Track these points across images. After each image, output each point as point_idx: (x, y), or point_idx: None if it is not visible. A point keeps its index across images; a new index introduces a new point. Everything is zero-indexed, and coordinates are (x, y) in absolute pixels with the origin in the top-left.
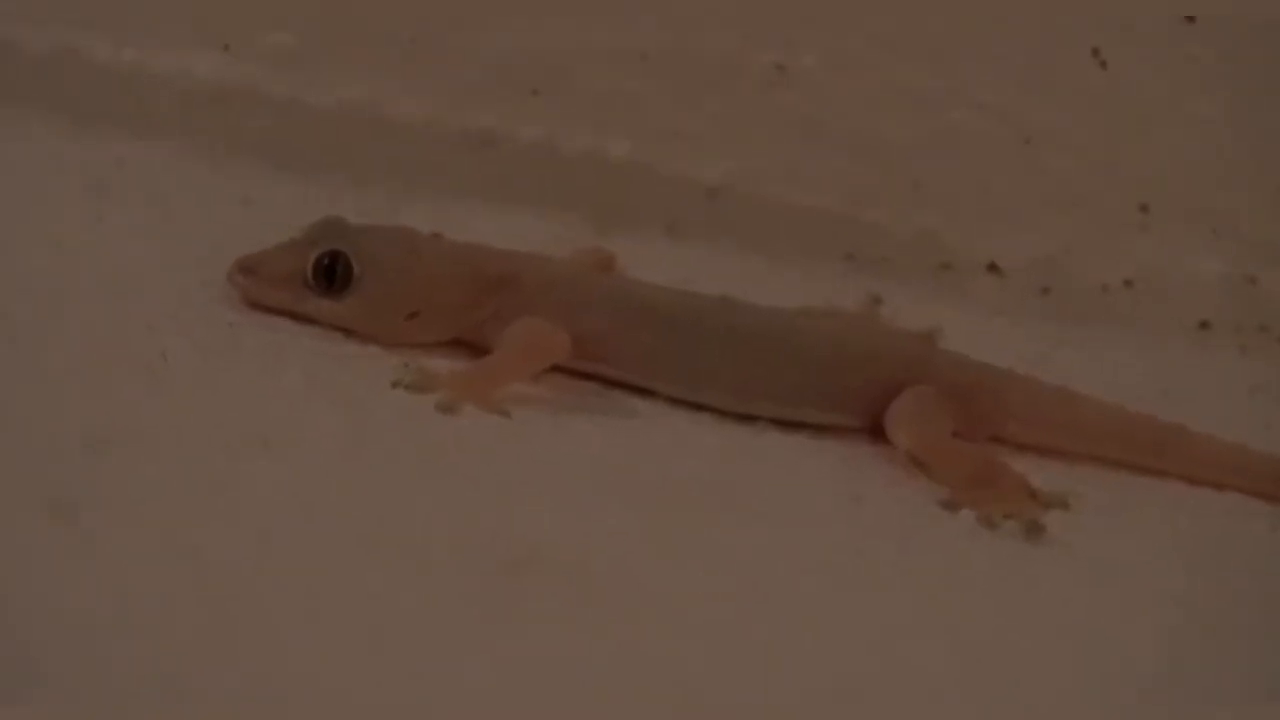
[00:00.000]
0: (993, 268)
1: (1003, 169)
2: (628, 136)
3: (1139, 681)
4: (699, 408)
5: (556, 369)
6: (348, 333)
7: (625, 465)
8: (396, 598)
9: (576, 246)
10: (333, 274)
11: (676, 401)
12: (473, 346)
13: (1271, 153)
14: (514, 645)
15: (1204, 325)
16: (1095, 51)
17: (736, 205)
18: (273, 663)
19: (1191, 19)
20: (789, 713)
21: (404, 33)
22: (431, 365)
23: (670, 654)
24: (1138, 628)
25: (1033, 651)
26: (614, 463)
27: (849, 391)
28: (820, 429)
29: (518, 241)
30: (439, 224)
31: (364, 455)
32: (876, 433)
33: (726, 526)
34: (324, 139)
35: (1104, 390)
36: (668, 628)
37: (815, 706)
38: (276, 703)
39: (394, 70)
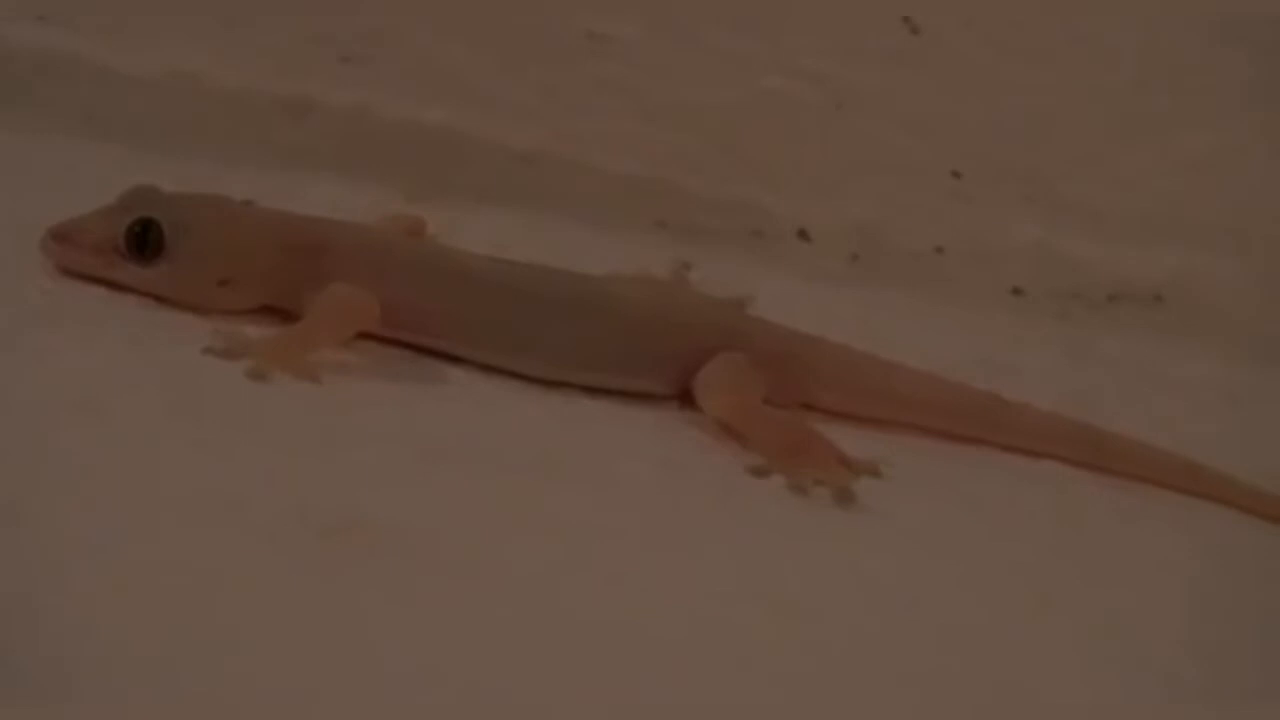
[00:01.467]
0: (803, 234)
1: (814, 135)
2: (442, 104)
3: (949, 644)
4: (510, 375)
5: (369, 336)
6: (162, 300)
7: (437, 432)
8: (215, 564)
9: (388, 213)
10: (144, 241)
11: (488, 369)
12: (286, 313)
13: (1087, 116)
14: (334, 611)
15: (1018, 292)
16: (906, 19)
17: (550, 172)
18: (86, 630)
19: None
20: (603, 676)
21: (219, 2)
22: (243, 332)
23: (488, 617)
24: (946, 593)
25: (843, 616)
26: (426, 429)
27: (659, 358)
28: (631, 396)
29: (332, 209)
30: (255, 192)
31: (178, 421)
32: (687, 400)
33: (539, 492)
34: (141, 108)
35: (917, 358)
36: (485, 592)
37: (629, 669)
38: (91, 666)
39: (210, 39)
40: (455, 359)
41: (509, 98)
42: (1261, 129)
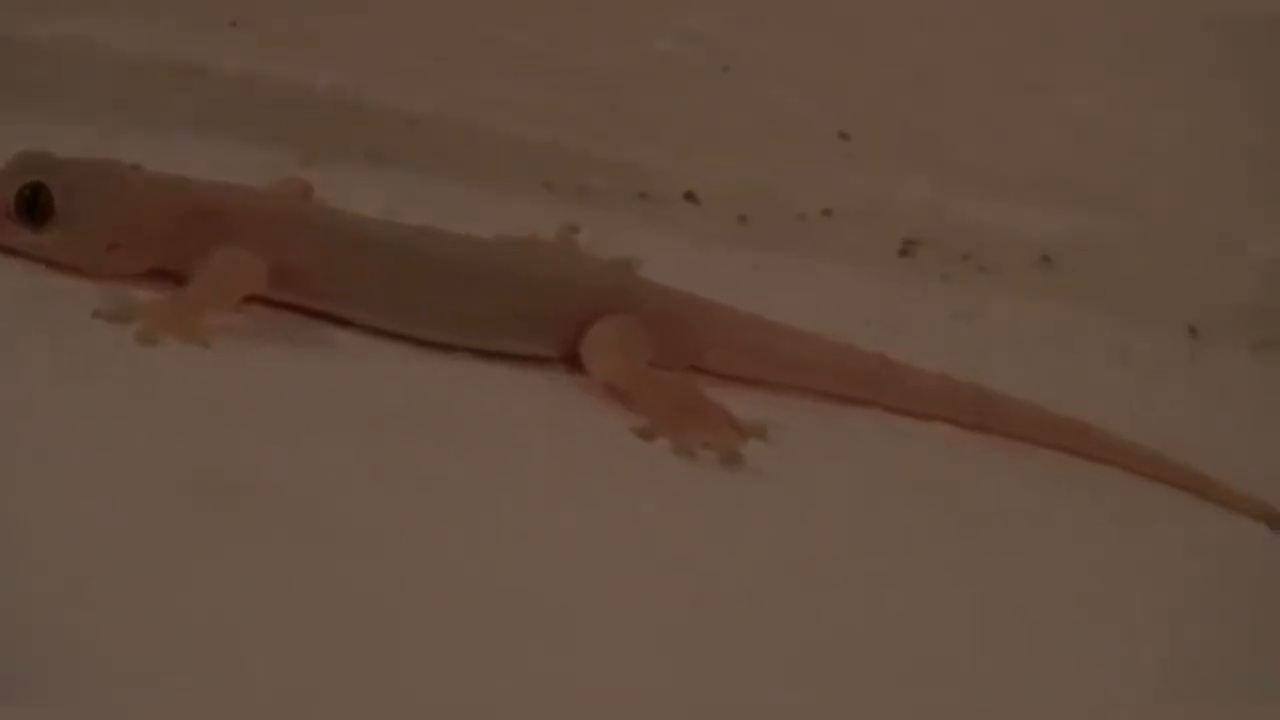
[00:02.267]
0: (690, 196)
1: (702, 97)
2: (331, 67)
3: (838, 607)
4: (399, 338)
5: (259, 300)
6: (52, 264)
7: (326, 395)
8: (103, 526)
9: (276, 177)
10: (35, 206)
11: (378, 332)
12: (176, 277)
13: (976, 77)
14: (221, 574)
15: (904, 253)
16: None
17: (439, 135)
18: None
19: None
20: (485, 637)
21: None
22: (133, 295)
23: (375, 579)
24: (834, 556)
25: (730, 578)
26: (315, 393)
27: (546, 321)
28: (519, 359)
29: (222, 173)
30: (145, 157)
31: (68, 385)
32: (575, 362)
33: (427, 454)
34: (32, 74)
35: (805, 319)
36: (372, 554)
37: (512, 628)
38: None
39: (101, 6)
40: (345, 322)
41: (398, 61)
42: (1151, 90)
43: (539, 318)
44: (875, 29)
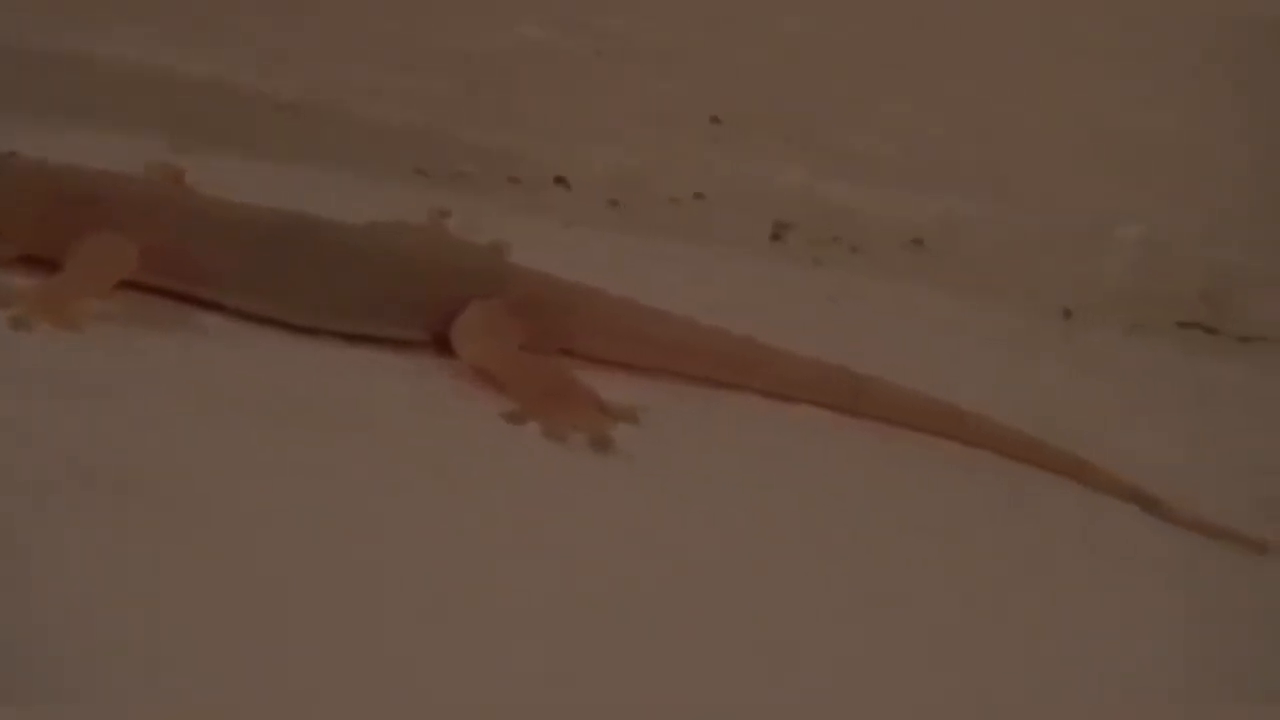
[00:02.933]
0: (561, 181)
1: (574, 82)
2: (205, 53)
3: (709, 594)
4: (270, 322)
5: (133, 285)
6: None
7: (196, 380)
8: None
9: (148, 163)
10: None
11: (248, 316)
12: (49, 264)
13: (848, 59)
14: (99, 563)
15: (776, 237)
16: None
17: (309, 121)
18: None
19: None
20: (349, 624)
21: None
22: (6, 281)
23: (241, 566)
24: (704, 541)
25: (600, 564)
26: (186, 377)
27: (415, 305)
28: (388, 343)
29: (94, 159)
30: (15, 143)
31: None
32: (445, 346)
33: (294, 439)
34: None
35: (677, 304)
36: (237, 541)
37: (382, 615)
38: None
39: None
40: (217, 306)
41: (271, 47)
42: (1020, 72)
43: (409, 301)
44: (746, 13)
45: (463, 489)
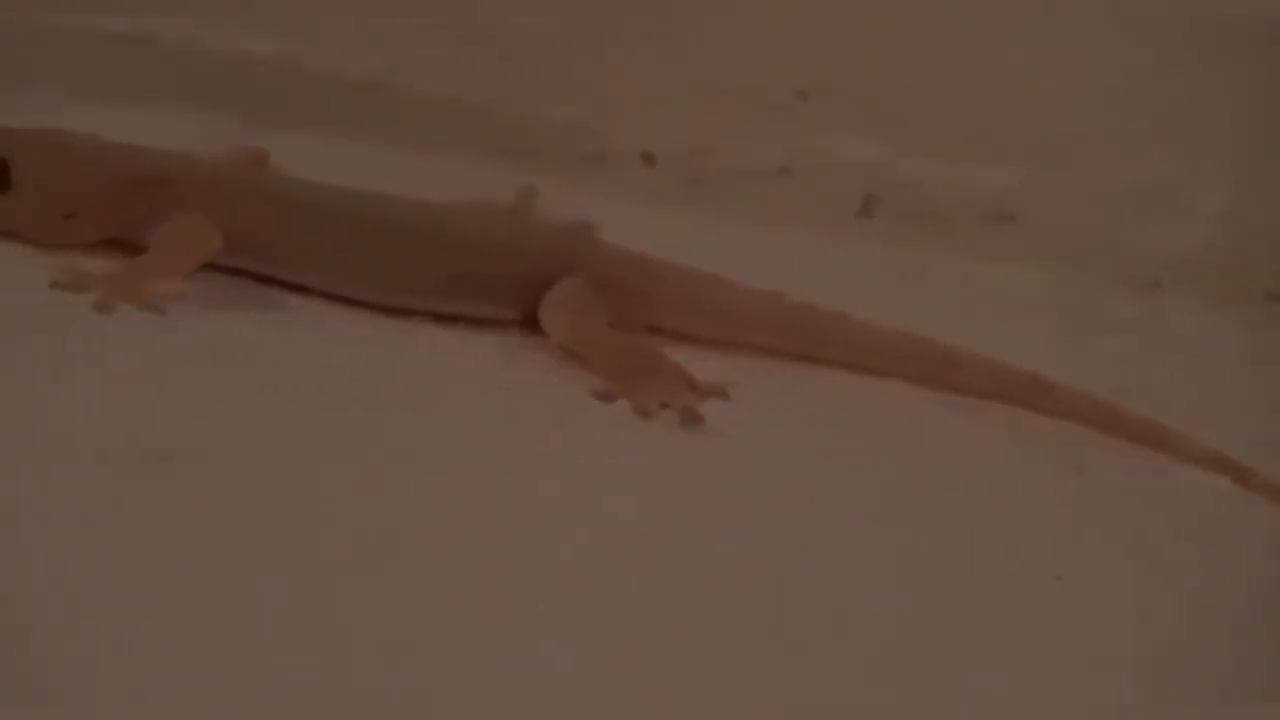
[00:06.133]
0: (647, 157)
1: (656, 57)
2: (278, 34)
3: (798, 569)
4: (354, 303)
5: (213, 267)
6: (6, 235)
7: (278, 360)
8: (45, 493)
9: (229, 145)
10: None
11: (332, 297)
12: (131, 246)
13: (930, 36)
14: (158, 538)
15: (862, 212)
16: None
17: (391, 100)
18: None
19: None
20: (430, 603)
21: None
22: (87, 265)
23: (321, 547)
24: (795, 517)
25: (691, 542)
26: (269, 359)
27: (502, 284)
28: (476, 322)
29: (172, 141)
30: (98, 125)
31: (18, 354)
32: (532, 325)
33: (375, 418)
34: None
35: (764, 279)
36: (319, 522)
37: (453, 594)
38: None
39: None
40: (299, 288)
41: (344, 26)
42: (1102, 48)
43: (495, 281)
44: None
45: (551, 468)
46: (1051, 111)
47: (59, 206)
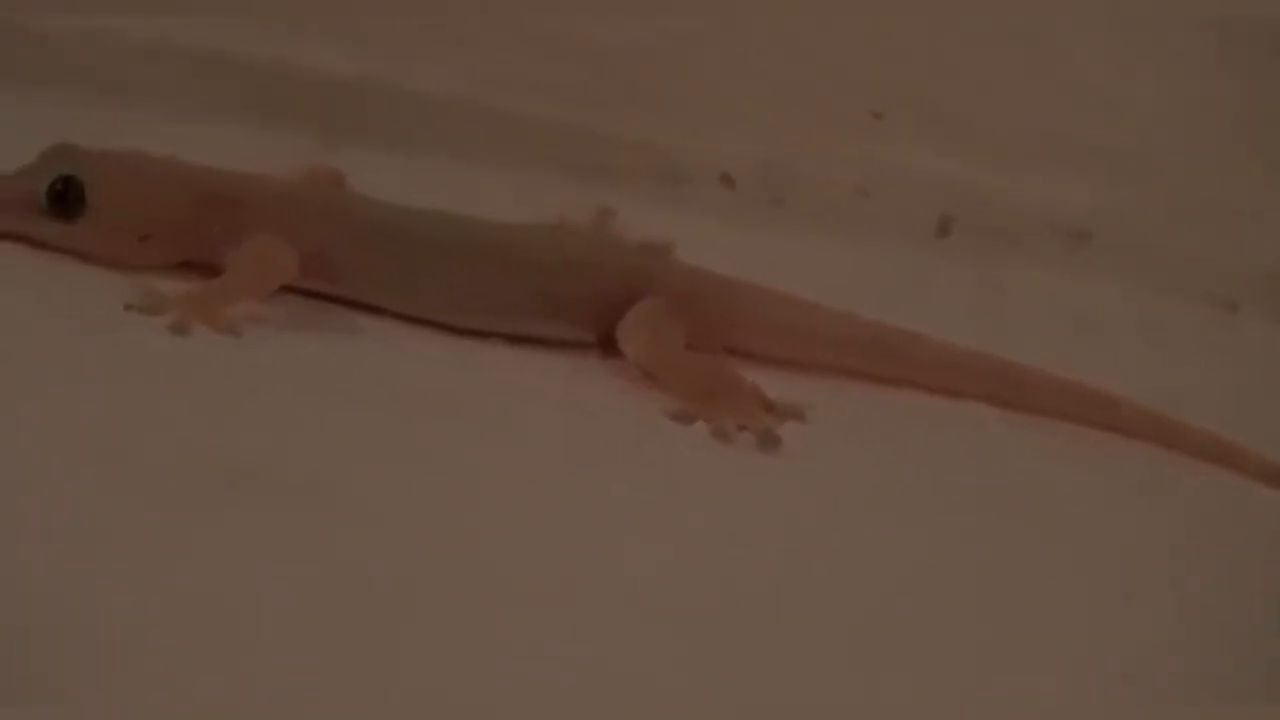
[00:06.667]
0: (725, 178)
1: (733, 77)
2: (354, 52)
3: (876, 591)
4: (430, 324)
5: (289, 289)
6: (84, 257)
7: (353, 381)
8: (125, 514)
9: (306, 164)
10: (65, 199)
11: (407, 319)
12: (206, 268)
13: (1006, 53)
14: (236, 556)
15: (939, 232)
16: None
17: (467, 119)
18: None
19: None
20: (510, 623)
21: None
22: (163, 287)
23: (397, 567)
24: (872, 539)
25: (769, 562)
26: (345, 380)
27: (579, 304)
28: (552, 343)
29: (247, 161)
30: (173, 146)
31: (97, 376)
32: (609, 346)
33: (452, 439)
34: (57, 64)
35: (840, 299)
36: (395, 541)
37: (531, 613)
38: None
39: None
40: (374, 310)
41: (420, 44)
42: (1178, 64)
43: (572, 302)
44: (904, 5)
45: (629, 489)
46: (1129, 129)
47: (134, 228)
